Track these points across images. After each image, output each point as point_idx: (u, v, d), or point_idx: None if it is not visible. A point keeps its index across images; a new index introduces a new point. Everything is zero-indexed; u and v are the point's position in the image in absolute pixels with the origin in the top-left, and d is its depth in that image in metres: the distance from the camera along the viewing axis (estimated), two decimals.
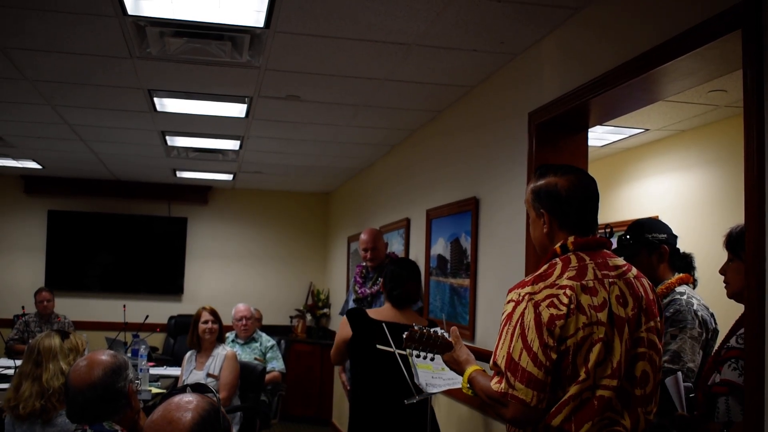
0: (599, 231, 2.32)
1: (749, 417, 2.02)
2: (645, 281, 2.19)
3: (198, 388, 1.83)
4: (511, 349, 2.01)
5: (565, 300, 1.99)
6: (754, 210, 2.01)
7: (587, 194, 2.20)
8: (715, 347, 2.63)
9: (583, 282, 2.03)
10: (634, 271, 2.18)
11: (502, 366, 2.02)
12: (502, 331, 2.07)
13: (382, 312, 3.88)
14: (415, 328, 2.52)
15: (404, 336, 2.52)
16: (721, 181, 4.93)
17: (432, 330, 2.51)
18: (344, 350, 3.93)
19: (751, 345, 2.01)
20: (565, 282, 2.03)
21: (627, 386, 2.03)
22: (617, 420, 2.00)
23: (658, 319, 2.15)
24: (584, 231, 2.18)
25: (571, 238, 2.15)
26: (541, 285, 2.05)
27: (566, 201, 2.17)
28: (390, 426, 3.75)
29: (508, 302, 2.10)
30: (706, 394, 2.52)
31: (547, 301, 2.00)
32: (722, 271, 2.62)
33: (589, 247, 2.15)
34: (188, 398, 1.67)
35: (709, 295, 3.19)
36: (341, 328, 3.92)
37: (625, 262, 2.19)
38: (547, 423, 2.00)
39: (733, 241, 2.51)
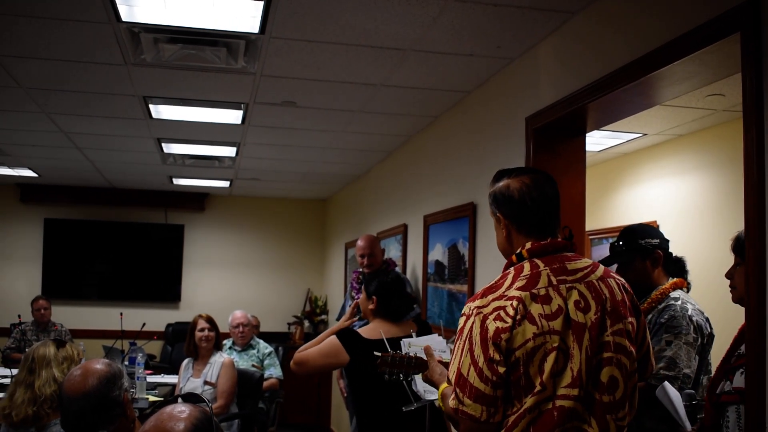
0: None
1: (750, 422, 2.00)
2: (613, 282, 2.09)
3: (190, 397, 1.81)
4: (460, 364, 1.96)
5: (511, 312, 1.92)
6: (754, 214, 2.00)
7: (542, 195, 2.11)
8: (723, 355, 2.58)
9: (534, 290, 1.96)
10: (600, 271, 2.08)
11: (453, 382, 1.99)
12: (455, 347, 2.03)
13: (375, 330, 3.60)
14: (385, 353, 2.55)
15: (377, 362, 2.53)
16: (720, 186, 4.92)
17: (403, 353, 2.57)
18: (327, 370, 3.81)
19: (752, 349, 1.99)
20: (513, 293, 1.96)
21: (592, 393, 1.95)
22: (583, 428, 1.92)
23: (629, 319, 2.05)
24: (542, 234, 2.10)
25: (527, 245, 2.08)
26: (490, 297, 1.99)
27: (520, 202, 2.10)
28: None
29: (461, 316, 2.04)
30: (714, 404, 2.48)
31: (495, 314, 1.94)
32: (729, 275, 2.57)
33: (546, 252, 2.07)
34: (180, 408, 1.65)
35: (703, 299, 3.17)
36: (334, 352, 3.54)
37: (589, 263, 2.09)
38: None
39: (742, 244, 2.40)
